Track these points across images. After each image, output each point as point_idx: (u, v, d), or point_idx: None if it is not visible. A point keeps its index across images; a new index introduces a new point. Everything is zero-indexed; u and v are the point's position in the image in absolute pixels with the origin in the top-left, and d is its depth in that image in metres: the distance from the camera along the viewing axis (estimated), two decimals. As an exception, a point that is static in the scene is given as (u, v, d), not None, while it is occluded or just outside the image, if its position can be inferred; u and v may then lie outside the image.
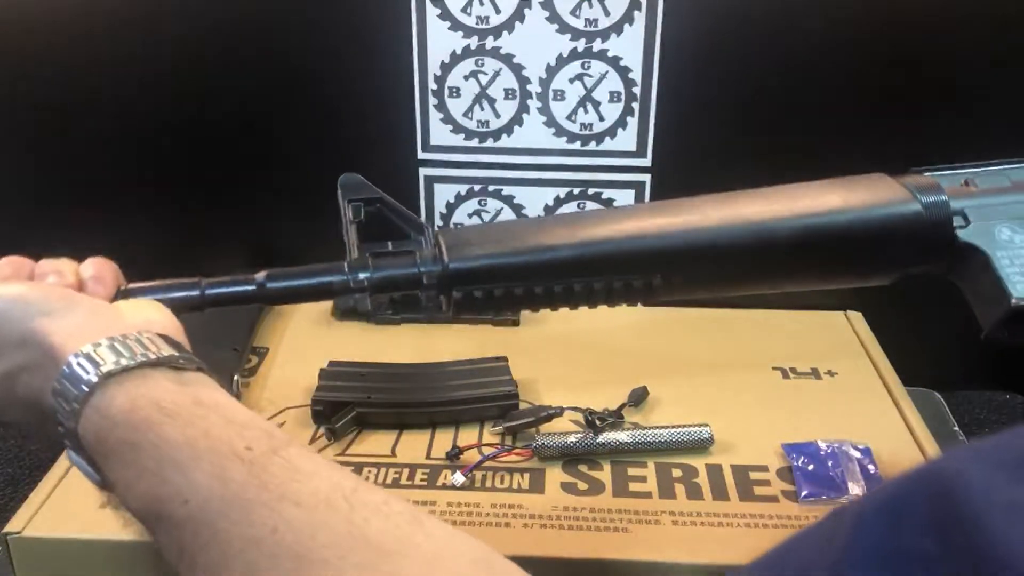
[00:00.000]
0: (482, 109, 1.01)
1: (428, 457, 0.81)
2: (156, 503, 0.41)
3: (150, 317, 0.49)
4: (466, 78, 0.99)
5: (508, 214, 1.06)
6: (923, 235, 0.55)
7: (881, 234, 0.55)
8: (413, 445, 0.82)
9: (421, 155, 1.03)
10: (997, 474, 0.31)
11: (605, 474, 0.78)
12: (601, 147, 1.02)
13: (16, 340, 0.47)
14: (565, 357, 0.96)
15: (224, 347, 0.91)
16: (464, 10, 0.96)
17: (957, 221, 0.55)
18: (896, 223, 0.55)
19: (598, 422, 0.81)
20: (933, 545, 0.30)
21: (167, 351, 0.46)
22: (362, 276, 0.53)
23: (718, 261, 0.55)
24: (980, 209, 0.55)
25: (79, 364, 0.44)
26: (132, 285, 0.53)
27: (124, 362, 0.44)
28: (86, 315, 0.48)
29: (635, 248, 0.54)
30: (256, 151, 1.03)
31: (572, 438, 0.80)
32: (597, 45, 0.98)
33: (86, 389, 0.44)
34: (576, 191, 1.04)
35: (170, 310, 0.51)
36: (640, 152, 1.02)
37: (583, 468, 0.79)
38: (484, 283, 0.54)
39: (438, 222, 1.06)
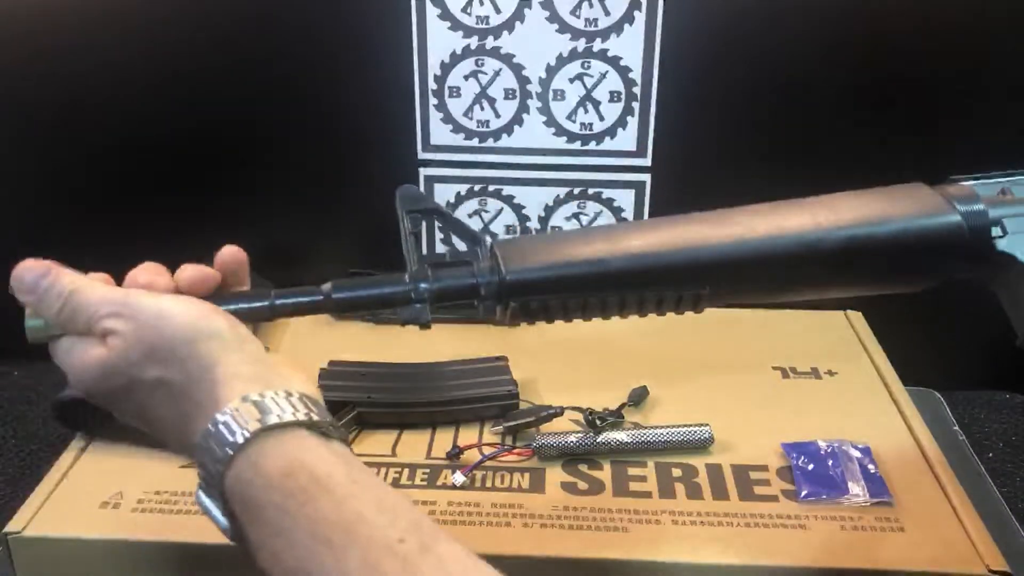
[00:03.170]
0: (482, 109, 1.01)
1: (428, 457, 0.81)
2: None
3: (301, 377, 0.49)
4: (466, 78, 0.99)
5: (508, 214, 1.06)
6: (963, 245, 0.56)
7: (922, 244, 0.56)
8: (413, 445, 0.82)
9: (421, 155, 1.03)
10: None
11: (605, 474, 0.78)
12: (601, 147, 1.02)
13: (180, 355, 0.46)
14: (565, 357, 0.96)
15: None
16: (464, 10, 0.96)
17: (995, 231, 0.56)
18: (937, 233, 0.56)
19: (598, 422, 0.81)
20: None
21: (321, 416, 0.45)
22: (423, 287, 0.54)
23: (765, 272, 0.56)
24: (1018, 219, 0.56)
25: (239, 410, 0.43)
26: (210, 296, 0.53)
27: (287, 418, 0.43)
28: (252, 358, 0.47)
29: (685, 261, 0.55)
30: (256, 151, 1.03)
31: (572, 438, 0.80)
32: (597, 45, 0.98)
33: (244, 438, 0.43)
34: (576, 191, 1.04)
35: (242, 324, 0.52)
36: (640, 152, 1.02)
37: (583, 468, 0.79)
38: (539, 294, 0.55)
39: (437, 223, 1.06)
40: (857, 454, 0.79)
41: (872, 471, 0.77)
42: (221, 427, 0.43)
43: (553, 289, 0.55)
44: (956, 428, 0.99)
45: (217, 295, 0.54)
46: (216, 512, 0.45)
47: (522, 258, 0.55)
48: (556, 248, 0.56)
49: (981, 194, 0.57)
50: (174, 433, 0.48)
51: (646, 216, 1.05)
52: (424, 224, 0.63)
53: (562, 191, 1.05)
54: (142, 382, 0.47)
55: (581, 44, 0.98)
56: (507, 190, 1.05)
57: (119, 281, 0.53)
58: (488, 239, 0.58)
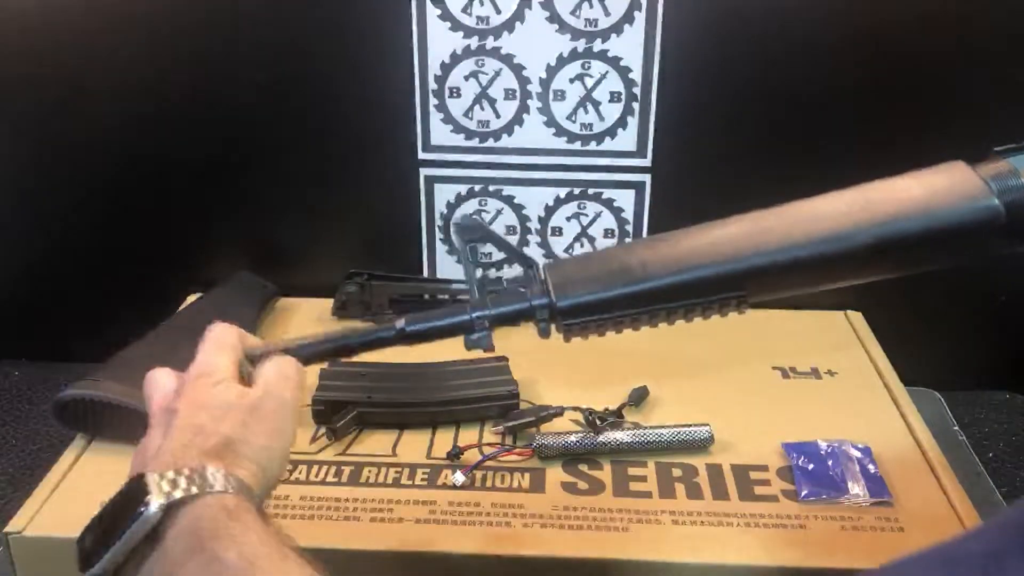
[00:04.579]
0: (482, 109, 1.01)
1: (429, 457, 0.81)
2: None
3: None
4: (466, 78, 0.99)
5: (508, 214, 1.06)
6: (1001, 228, 0.56)
7: (959, 232, 0.56)
8: (414, 445, 0.82)
9: (421, 155, 1.03)
10: None
11: (605, 474, 0.78)
12: (601, 147, 1.02)
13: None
14: (565, 357, 0.95)
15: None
16: (464, 10, 0.96)
17: None
18: (974, 220, 0.56)
19: (598, 422, 0.81)
20: None
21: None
22: (483, 315, 0.59)
23: (803, 271, 0.58)
24: None
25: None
26: (296, 343, 0.59)
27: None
28: None
29: (727, 271, 0.58)
30: (257, 152, 1.03)
31: (572, 438, 0.80)
32: (597, 45, 0.98)
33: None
34: (576, 191, 1.04)
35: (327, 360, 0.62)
36: (640, 152, 1.02)
37: (583, 468, 0.79)
38: (590, 315, 0.59)
39: (438, 222, 1.06)
40: (857, 454, 0.79)
41: (872, 471, 0.77)
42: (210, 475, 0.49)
43: (601, 309, 0.59)
44: (956, 428, 0.99)
45: (302, 341, 0.59)
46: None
47: (570, 284, 0.59)
48: (602, 270, 0.59)
49: (1022, 168, 0.56)
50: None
51: (646, 216, 1.05)
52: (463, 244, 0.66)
53: (562, 191, 1.05)
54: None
55: (581, 44, 0.98)
56: (507, 190, 1.05)
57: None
58: (540, 262, 0.62)
